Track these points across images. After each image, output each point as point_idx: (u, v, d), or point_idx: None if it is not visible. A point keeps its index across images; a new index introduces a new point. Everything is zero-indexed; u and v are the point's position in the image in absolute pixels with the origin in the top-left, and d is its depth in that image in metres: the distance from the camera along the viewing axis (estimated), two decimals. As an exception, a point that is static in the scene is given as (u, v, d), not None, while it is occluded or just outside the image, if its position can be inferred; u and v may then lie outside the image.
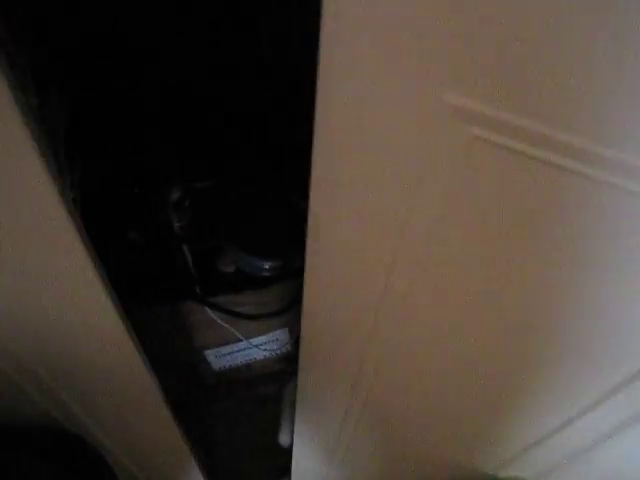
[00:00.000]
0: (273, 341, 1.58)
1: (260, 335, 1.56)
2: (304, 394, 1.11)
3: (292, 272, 1.34)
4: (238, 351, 1.58)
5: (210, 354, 1.59)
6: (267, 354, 1.57)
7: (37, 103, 0.97)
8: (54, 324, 0.60)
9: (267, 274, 1.32)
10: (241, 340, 1.46)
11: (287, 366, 1.58)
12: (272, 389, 1.60)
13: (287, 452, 1.64)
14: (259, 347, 1.54)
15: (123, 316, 0.64)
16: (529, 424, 0.83)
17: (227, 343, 1.51)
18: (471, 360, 0.77)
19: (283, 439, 1.57)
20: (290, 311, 1.38)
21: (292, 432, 1.37)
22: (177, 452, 1.10)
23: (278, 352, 1.56)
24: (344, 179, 0.59)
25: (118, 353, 0.68)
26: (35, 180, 0.44)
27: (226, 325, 1.37)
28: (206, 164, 1.40)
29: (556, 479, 0.91)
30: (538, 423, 0.81)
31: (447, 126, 0.45)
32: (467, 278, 0.63)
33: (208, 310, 1.33)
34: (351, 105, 0.49)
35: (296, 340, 1.54)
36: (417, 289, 0.69)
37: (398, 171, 0.53)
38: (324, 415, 1.14)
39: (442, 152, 0.48)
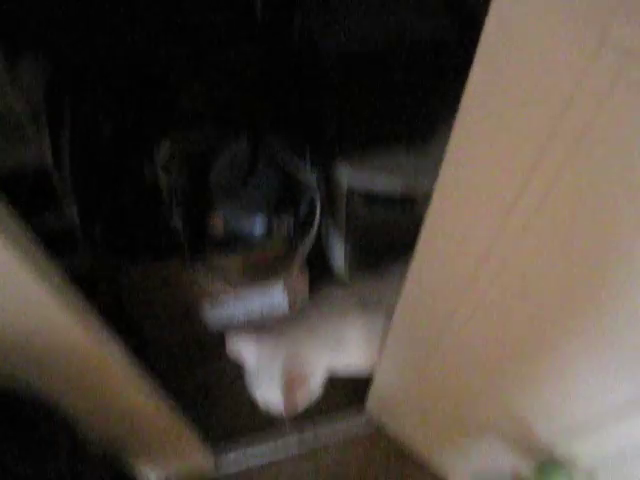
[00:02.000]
0: (267, 298, 1.58)
1: (252, 290, 1.56)
2: (397, 329, 1.12)
3: (280, 232, 1.33)
4: (233, 307, 1.59)
5: (205, 309, 1.60)
6: (264, 311, 1.58)
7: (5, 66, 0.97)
8: None
9: (255, 233, 1.32)
10: (235, 299, 1.46)
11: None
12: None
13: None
14: (254, 305, 1.55)
15: (48, 277, 0.63)
16: (589, 400, 0.83)
17: (221, 299, 1.51)
18: (551, 328, 0.78)
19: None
20: (284, 269, 1.37)
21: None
22: (152, 411, 1.11)
23: (273, 308, 1.57)
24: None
25: (49, 319, 0.68)
26: None
27: (217, 284, 1.37)
28: (195, 122, 1.39)
29: (618, 469, 0.91)
30: (598, 401, 0.81)
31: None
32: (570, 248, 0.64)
33: (198, 269, 1.33)
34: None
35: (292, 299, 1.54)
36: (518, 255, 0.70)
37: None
38: (410, 350, 1.16)
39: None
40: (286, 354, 1.21)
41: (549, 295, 0.73)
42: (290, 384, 1.18)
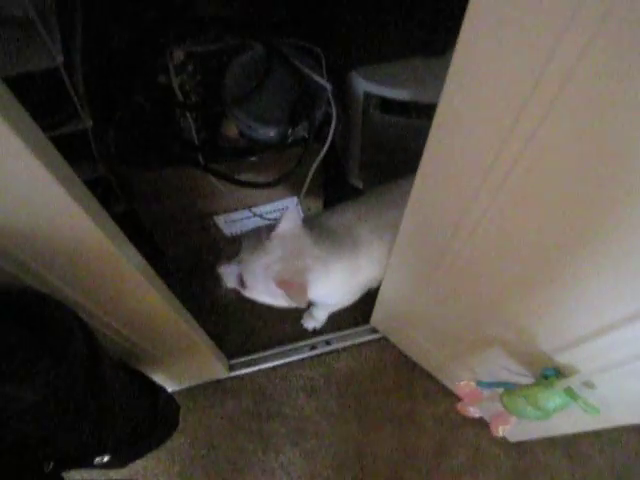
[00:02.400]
0: (280, 209, 1.59)
1: (267, 203, 1.56)
2: (403, 238, 1.12)
3: (296, 141, 1.32)
4: (247, 218, 1.59)
5: (219, 220, 1.61)
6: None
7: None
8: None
9: (270, 141, 1.31)
10: (248, 209, 1.46)
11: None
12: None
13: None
14: (264, 216, 1.55)
15: (68, 180, 0.63)
16: (593, 311, 0.83)
17: (235, 210, 1.52)
18: (550, 238, 0.79)
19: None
20: (294, 180, 1.37)
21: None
22: (168, 318, 1.13)
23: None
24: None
25: (63, 217, 0.68)
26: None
27: (230, 192, 1.37)
28: (211, 26, 1.36)
29: (611, 378, 0.92)
30: (601, 312, 0.82)
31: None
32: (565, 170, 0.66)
33: (212, 177, 1.33)
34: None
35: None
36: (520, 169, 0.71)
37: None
38: (418, 259, 1.16)
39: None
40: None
41: (556, 205, 0.73)
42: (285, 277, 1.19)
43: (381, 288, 1.44)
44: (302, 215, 1.63)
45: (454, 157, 0.81)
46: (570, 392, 0.97)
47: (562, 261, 0.81)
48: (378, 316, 1.66)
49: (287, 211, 1.16)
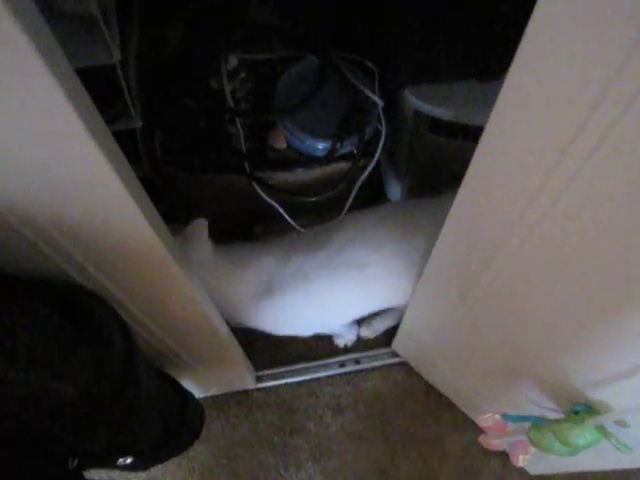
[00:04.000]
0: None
1: (307, 217, 1.55)
2: (433, 265, 1.11)
3: (342, 156, 1.31)
4: (285, 230, 1.58)
5: (259, 229, 1.60)
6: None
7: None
8: (49, 182, 0.60)
9: (317, 154, 1.30)
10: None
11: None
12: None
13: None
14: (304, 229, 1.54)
15: (127, 176, 0.62)
16: (630, 349, 0.81)
17: (274, 221, 1.50)
18: (585, 281, 0.78)
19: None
20: (338, 198, 1.35)
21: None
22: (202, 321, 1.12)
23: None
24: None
25: (119, 213, 0.68)
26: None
27: (272, 202, 1.36)
28: (267, 35, 1.36)
29: None
30: (637, 352, 0.80)
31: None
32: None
33: (256, 186, 1.32)
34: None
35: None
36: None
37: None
38: (447, 288, 1.15)
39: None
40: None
41: (598, 242, 0.70)
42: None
43: (405, 314, 1.42)
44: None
45: (496, 184, 0.79)
46: (602, 430, 0.94)
47: (601, 299, 0.79)
48: (400, 341, 1.63)
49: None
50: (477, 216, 0.89)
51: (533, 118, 0.63)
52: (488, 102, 1.27)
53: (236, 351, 1.39)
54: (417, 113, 1.35)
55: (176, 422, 1.16)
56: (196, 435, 1.31)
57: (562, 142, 0.60)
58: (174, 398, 1.20)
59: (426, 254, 1.21)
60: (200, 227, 1.20)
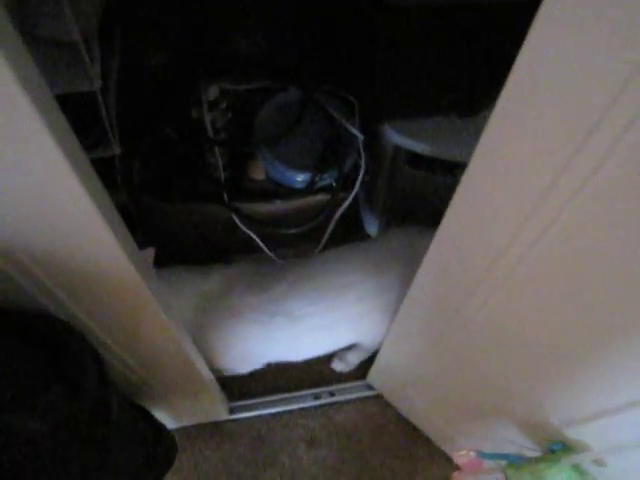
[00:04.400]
0: (298, 255, 1.57)
1: (285, 248, 1.54)
2: (411, 301, 1.10)
3: (321, 188, 1.31)
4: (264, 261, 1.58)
5: (236, 259, 1.59)
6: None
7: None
8: (28, 214, 0.59)
9: (296, 186, 1.30)
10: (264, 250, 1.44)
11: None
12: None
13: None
14: (281, 259, 1.53)
15: (105, 207, 0.62)
16: (610, 388, 0.81)
17: (252, 251, 1.50)
18: (569, 319, 0.78)
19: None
20: (315, 230, 1.35)
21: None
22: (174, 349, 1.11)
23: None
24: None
25: (92, 241, 0.66)
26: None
27: (250, 233, 1.35)
28: (248, 66, 1.36)
29: (626, 458, 0.90)
30: (619, 390, 0.80)
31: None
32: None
33: (234, 216, 1.31)
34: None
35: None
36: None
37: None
38: (424, 324, 1.15)
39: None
40: None
41: (576, 284, 0.71)
42: None
43: (381, 349, 1.41)
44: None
45: (476, 222, 0.79)
46: (579, 469, 0.93)
47: (579, 338, 0.79)
48: (375, 374, 1.62)
49: None
50: (457, 254, 0.89)
51: (517, 157, 0.63)
52: (467, 138, 1.29)
53: (210, 382, 1.37)
54: (396, 147, 1.36)
55: (149, 455, 1.14)
56: (168, 467, 1.29)
57: (544, 183, 0.61)
58: (146, 431, 1.18)
59: (400, 291, 1.22)
60: (146, 255, 1.19)
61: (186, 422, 1.63)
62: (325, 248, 1.44)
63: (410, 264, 1.27)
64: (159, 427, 1.22)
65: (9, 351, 0.67)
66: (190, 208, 1.33)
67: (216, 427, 1.66)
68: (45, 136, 0.49)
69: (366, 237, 1.69)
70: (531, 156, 0.60)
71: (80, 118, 1.21)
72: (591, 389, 0.87)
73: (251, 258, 1.43)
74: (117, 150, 1.23)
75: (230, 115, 1.32)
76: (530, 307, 0.83)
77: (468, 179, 0.73)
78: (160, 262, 1.23)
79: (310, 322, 1.27)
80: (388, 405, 1.69)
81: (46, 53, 1.11)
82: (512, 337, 0.94)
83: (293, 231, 1.29)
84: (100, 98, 1.13)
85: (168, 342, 1.05)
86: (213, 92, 1.28)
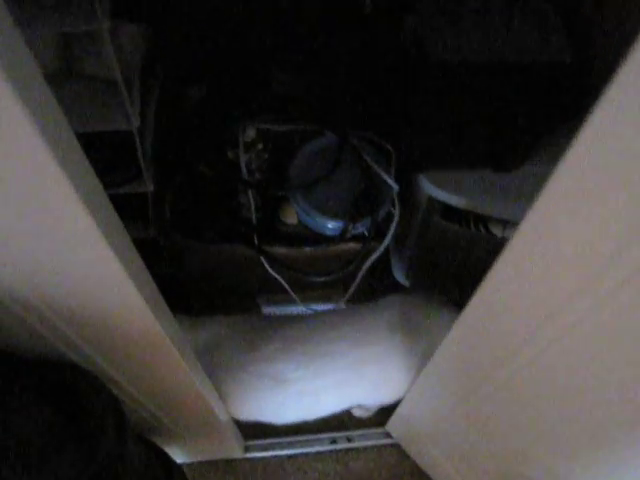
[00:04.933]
0: (324, 300, 1.56)
1: (311, 292, 1.53)
2: (438, 364, 1.09)
3: (353, 237, 1.29)
4: (288, 302, 1.56)
5: (261, 298, 1.58)
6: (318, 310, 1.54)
7: (109, 27, 0.94)
8: (47, 262, 0.58)
9: (327, 233, 1.28)
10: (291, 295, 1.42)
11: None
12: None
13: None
14: (308, 306, 1.52)
15: (125, 253, 0.60)
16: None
17: (278, 292, 1.48)
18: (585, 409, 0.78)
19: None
20: (344, 277, 1.34)
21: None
22: (194, 396, 1.09)
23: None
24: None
25: (117, 293, 0.65)
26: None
27: (277, 277, 1.34)
28: (287, 108, 1.36)
29: None
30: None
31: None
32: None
33: (263, 260, 1.30)
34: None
35: (347, 301, 1.51)
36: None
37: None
38: (448, 386, 1.13)
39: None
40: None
41: (621, 364, 0.68)
42: None
43: (403, 401, 1.39)
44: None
45: (518, 293, 0.76)
46: None
47: (615, 416, 0.77)
48: (395, 423, 1.60)
49: None
50: (492, 324, 0.86)
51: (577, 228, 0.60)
52: (500, 194, 1.27)
53: (226, 422, 1.35)
54: (430, 198, 1.34)
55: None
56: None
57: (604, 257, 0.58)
58: (158, 470, 1.16)
59: (395, 360, 1.21)
60: None
61: (199, 458, 1.62)
62: (352, 296, 1.43)
63: (405, 334, 1.28)
64: (171, 466, 1.21)
65: (31, 413, 0.66)
66: (219, 247, 1.32)
67: (230, 465, 1.64)
68: (77, 204, 0.49)
69: (395, 285, 1.67)
70: (592, 230, 0.57)
71: (115, 152, 1.22)
72: (623, 466, 0.84)
73: (245, 314, 1.43)
74: (150, 187, 1.23)
75: (266, 156, 1.31)
76: (567, 382, 0.81)
77: (517, 246, 0.69)
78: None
79: (296, 387, 1.27)
80: (405, 455, 1.66)
81: (88, 89, 1.12)
82: (544, 410, 0.91)
83: (322, 279, 1.28)
84: (137, 136, 1.13)
85: (188, 388, 1.04)
86: (250, 133, 1.28)
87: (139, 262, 0.68)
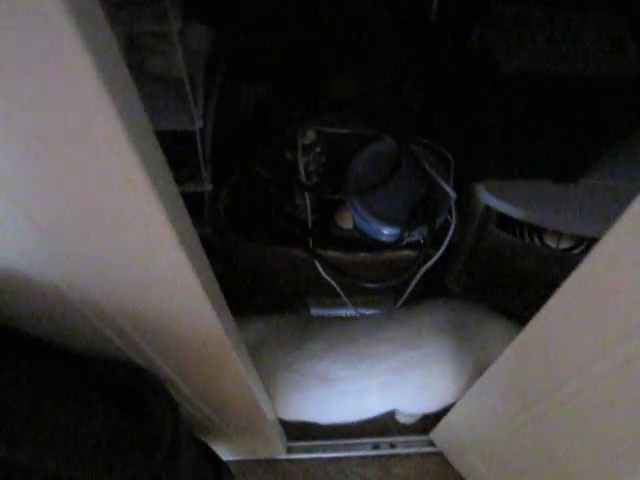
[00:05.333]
0: (374, 304, 1.55)
1: (362, 296, 1.52)
2: (494, 375, 1.08)
3: (408, 244, 1.28)
4: (338, 305, 1.56)
5: (311, 300, 1.58)
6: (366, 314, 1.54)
7: (179, 28, 0.95)
8: (124, 270, 0.58)
9: (383, 240, 1.27)
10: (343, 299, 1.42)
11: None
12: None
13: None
14: (358, 310, 1.51)
15: (202, 272, 0.60)
16: None
17: (329, 295, 1.48)
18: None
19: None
20: (398, 284, 1.32)
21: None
22: (253, 409, 1.10)
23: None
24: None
25: (185, 296, 0.65)
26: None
27: (331, 281, 1.34)
28: (347, 111, 1.36)
29: None
30: None
31: None
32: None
33: (317, 263, 1.30)
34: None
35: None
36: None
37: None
38: (502, 400, 1.13)
39: None
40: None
41: None
42: None
43: (451, 410, 1.37)
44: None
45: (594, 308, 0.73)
46: None
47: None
48: (440, 432, 1.58)
49: None
50: (553, 346, 0.84)
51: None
52: (559, 205, 1.25)
53: (273, 422, 1.36)
54: (487, 208, 1.33)
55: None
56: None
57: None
58: (207, 469, 1.17)
59: (443, 363, 1.20)
60: None
61: (243, 456, 1.63)
62: (405, 303, 1.42)
63: (454, 338, 1.26)
64: (220, 465, 1.21)
65: (97, 415, 0.67)
66: (273, 249, 1.32)
67: (272, 465, 1.64)
68: (161, 216, 0.48)
69: (447, 293, 1.65)
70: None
71: (174, 151, 1.22)
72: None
73: (292, 314, 1.44)
74: (208, 187, 1.23)
75: (323, 159, 1.31)
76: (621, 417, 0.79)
77: (589, 268, 0.66)
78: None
79: (341, 386, 1.27)
80: (448, 464, 1.65)
81: (151, 88, 1.12)
82: (606, 433, 0.89)
83: (375, 286, 1.27)
84: (199, 136, 1.13)
85: (241, 388, 1.04)
86: (310, 136, 1.28)
87: (207, 265, 0.68)
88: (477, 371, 1.25)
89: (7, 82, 0.35)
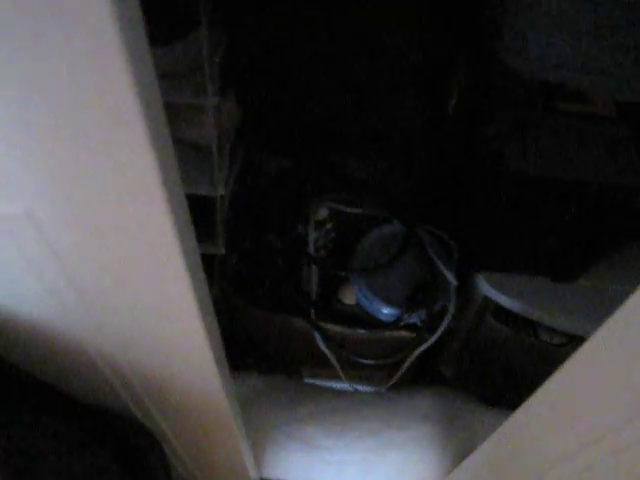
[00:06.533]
0: (367, 380, 1.57)
1: (354, 371, 1.55)
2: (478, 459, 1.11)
3: (405, 326, 1.32)
4: (332, 377, 1.58)
5: (305, 369, 1.60)
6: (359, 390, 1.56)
7: (217, 103, 1.01)
8: (141, 328, 0.61)
9: (382, 319, 1.32)
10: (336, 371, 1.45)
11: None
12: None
13: None
14: (353, 385, 1.54)
15: (208, 317, 0.63)
16: None
17: (323, 366, 1.51)
18: None
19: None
20: (393, 363, 1.36)
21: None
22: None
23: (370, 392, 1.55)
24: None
25: (195, 365, 0.69)
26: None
27: (327, 353, 1.37)
28: (361, 192, 1.41)
29: None
30: None
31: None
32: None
33: (317, 335, 1.34)
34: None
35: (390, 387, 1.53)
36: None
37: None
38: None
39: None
40: None
41: None
42: None
43: None
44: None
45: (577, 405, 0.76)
46: None
47: None
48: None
49: None
50: (532, 439, 0.88)
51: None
52: (556, 302, 1.29)
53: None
54: (485, 298, 1.37)
55: None
56: None
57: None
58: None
59: (427, 449, 1.23)
60: None
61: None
62: (397, 383, 1.45)
63: (439, 426, 1.29)
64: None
65: (91, 450, 0.70)
66: (275, 315, 1.36)
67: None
68: (182, 271, 0.51)
69: (439, 376, 1.68)
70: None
71: (193, 215, 1.27)
72: None
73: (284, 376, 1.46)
74: (222, 250, 1.27)
75: (333, 235, 1.36)
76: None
77: (575, 366, 0.70)
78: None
79: (323, 455, 1.29)
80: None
81: (179, 153, 1.18)
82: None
83: (370, 363, 1.31)
84: (219, 202, 1.18)
85: (231, 445, 1.06)
86: (322, 213, 1.33)
87: (217, 328, 0.72)
88: (460, 461, 1.27)
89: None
